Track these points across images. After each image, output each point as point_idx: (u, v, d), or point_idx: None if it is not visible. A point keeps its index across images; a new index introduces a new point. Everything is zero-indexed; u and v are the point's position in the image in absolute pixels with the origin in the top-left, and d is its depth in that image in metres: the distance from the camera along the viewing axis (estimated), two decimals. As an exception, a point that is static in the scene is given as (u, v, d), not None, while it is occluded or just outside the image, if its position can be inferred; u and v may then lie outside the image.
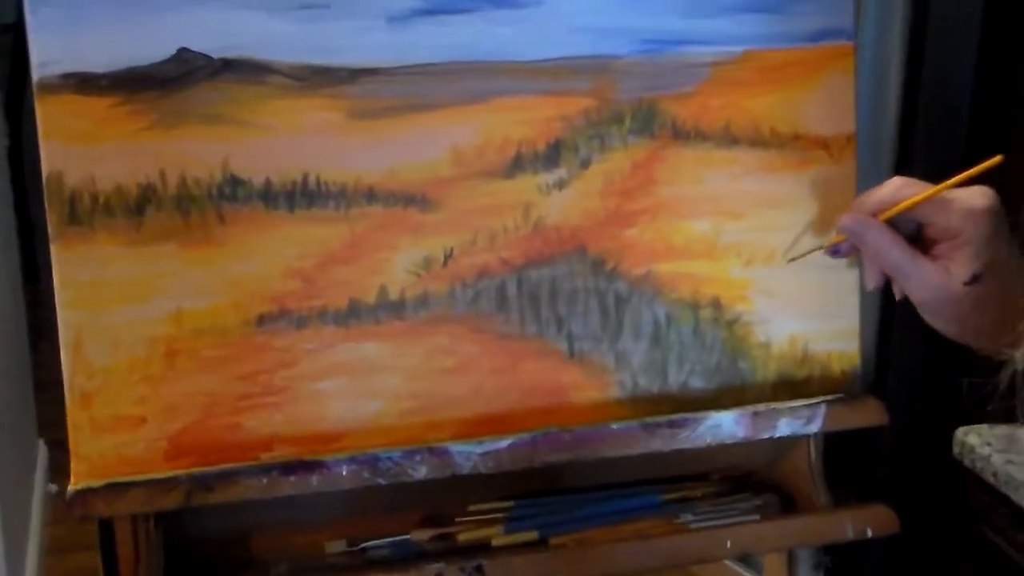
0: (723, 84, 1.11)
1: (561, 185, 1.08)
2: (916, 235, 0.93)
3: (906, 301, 0.94)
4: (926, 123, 1.32)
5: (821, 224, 1.12)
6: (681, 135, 1.10)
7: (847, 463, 1.21)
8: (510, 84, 1.06)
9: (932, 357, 1.31)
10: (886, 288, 0.98)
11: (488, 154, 1.06)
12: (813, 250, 1.08)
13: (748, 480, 1.20)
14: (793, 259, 1.11)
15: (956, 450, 1.20)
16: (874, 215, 0.94)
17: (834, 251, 1.00)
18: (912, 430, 1.18)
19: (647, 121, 1.09)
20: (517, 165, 1.06)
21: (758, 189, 1.12)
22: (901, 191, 0.93)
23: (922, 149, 1.31)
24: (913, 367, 1.36)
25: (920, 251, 0.91)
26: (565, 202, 1.08)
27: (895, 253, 0.91)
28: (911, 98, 1.33)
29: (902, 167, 1.33)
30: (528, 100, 1.06)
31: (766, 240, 1.13)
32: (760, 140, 1.12)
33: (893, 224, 0.93)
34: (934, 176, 0.96)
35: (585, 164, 1.08)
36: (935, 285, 0.89)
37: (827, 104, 1.13)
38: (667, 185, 1.10)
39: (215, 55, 0.99)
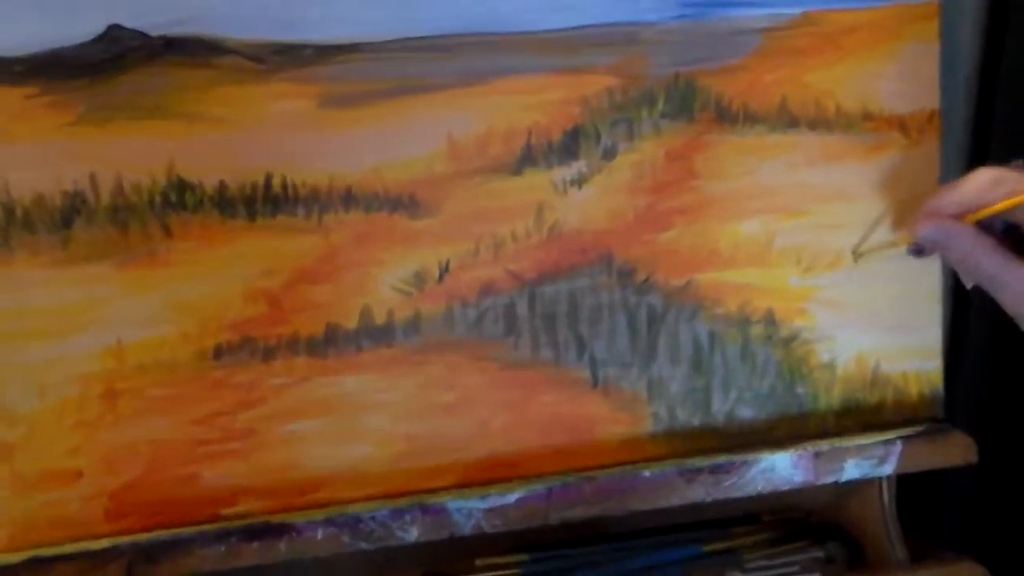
0: (777, 54, 0.92)
1: (581, 181, 0.90)
2: (1007, 233, 0.80)
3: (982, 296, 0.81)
4: (1007, 99, 1.10)
5: (898, 218, 0.94)
6: (726, 117, 0.91)
7: (912, 484, 1.02)
8: (517, 60, 0.87)
9: (1011, 362, 1.11)
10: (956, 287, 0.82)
11: (491, 146, 0.88)
12: (886, 246, 0.91)
13: (807, 524, 1.02)
14: (860, 254, 0.93)
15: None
16: (957, 216, 0.80)
17: (916, 250, 0.83)
18: (989, 446, 0.98)
19: (685, 101, 0.90)
20: (527, 159, 0.88)
21: (821, 180, 0.94)
22: (991, 191, 0.79)
23: (1002, 129, 1.10)
24: (988, 374, 1.16)
25: (1014, 254, 0.78)
26: (586, 202, 0.90)
27: (986, 261, 0.78)
28: (990, 69, 1.12)
29: (979, 150, 1.12)
30: (539, 79, 0.88)
31: (830, 241, 0.94)
32: (823, 121, 0.93)
33: (981, 225, 0.79)
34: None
35: (609, 155, 0.90)
36: None
37: (905, 76, 0.94)
38: (710, 178, 0.92)
39: (153, 32, 0.81)
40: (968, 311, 1.09)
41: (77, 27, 0.80)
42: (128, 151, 0.82)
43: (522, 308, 0.90)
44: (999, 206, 0.78)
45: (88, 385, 0.83)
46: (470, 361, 0.89)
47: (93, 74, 0.80)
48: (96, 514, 0.84)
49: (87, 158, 0.81)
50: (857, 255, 0.94)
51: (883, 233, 0.94)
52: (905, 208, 0.93)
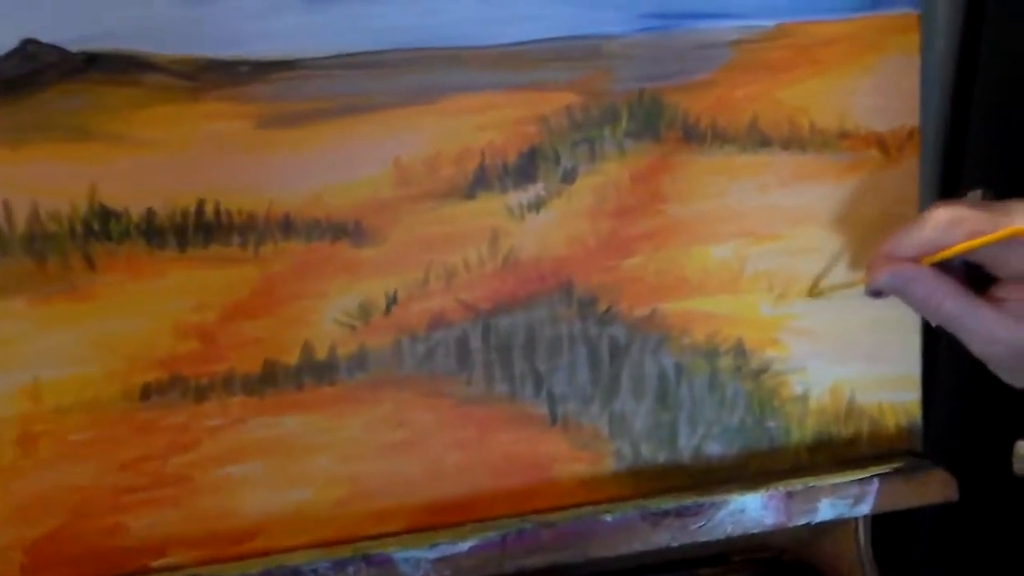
0: (749, 69, 0.86)
1: (538, 206, 0.84)
2: (967, 271, 0.77)
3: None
4: (984, 113, 1.05)
5: (856, 255, 0.89)
6: (694, 136, 0.86)
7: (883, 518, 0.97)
8: (469, 77, 0.81)
9: (983, 393, 1.06)
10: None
11: (442, 168, 0.82)
12: (844, 285, 0.86)
13: (779, 563, 0.96)
14: (818, 292, 0.88)
15: (1018, 466, 0.97)
16: (915, 258, 0.76)
17: (874, 292, 0.79)
18: (963, 480, 0.93)
19: (650, 119, 0.85)
20: (480, 182, 0.82)
21: (794, 203, 0.88)
22: (950, 231, 0.74)
23: (977, 147, 1.04)
24: (960, 405, 1.11)
25: (976, 293, 0.75)
26: (544, 227, 0.84)
27: (949, 304, 0.75)
28: (965, 81, 1.06)
29: (950, 172, 1.06)
30: (493, 97, 0.82)
31: (803, 267, 0.89)
32: (797, 139, 0.88)
33: (939, 266, 0.75)
34: (992, 183, 0.79)
35: (569, 178, 0.84)
36: (1004, 338, 0.74)
37: (883, 91, 0.89)
38: (676, 201, 0.86)
39: (73, 48, 0.74)
40: (938, 340, 1.04)
41: (-13, 41, 0.73)
42: (46, 176, 0.75)
43: (475, 341, 0.84)
44: (958, 248, 0.74)
45: (1, 429, 0.76)
46: (420, 398, 0.83)
47: (6, 92, 0.74)
48: (10, 570, 0.77)
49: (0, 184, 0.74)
50: (814, 293, 0.89)
51: (842, 270, 0.89)
52: (864, 244, 0.88)
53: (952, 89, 1.05)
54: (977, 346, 0.75)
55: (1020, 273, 0.73)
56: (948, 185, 1.04)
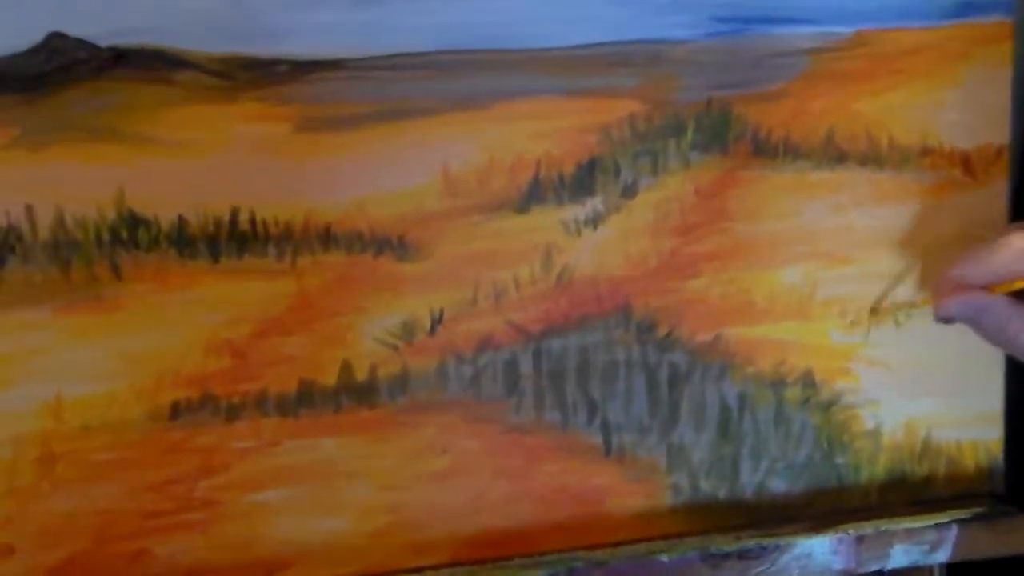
0: (825, 79, 0.81)
1: (596, 221, 0.79)
2: None
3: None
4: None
5: (924, 274, 0.84)
6: (765, 150, 0.81)
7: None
8: (524, 82, 0.76)
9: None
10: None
11: (493, 180, 0.77)
12: (907, 306, 0.81)
13: (845, 609, 0.91)
14: (878, 312, 0.83)
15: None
16: (986, 286, 0.73)
17: (944, 318, 0.74)
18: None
19: (717, 131, 0.80)
20: (534, 195, 0.77)
21: (871, 224, 0.83)
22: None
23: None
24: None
25: None
26: (601, 244, 0.79)
27: None
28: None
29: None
30: (549, 104, 0.77)
31: (878, 293, 0.84)
32: (875, 156, 0.82)
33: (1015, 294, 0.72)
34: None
35: (630, 192, 0.79)
36: None
37: (970, 105, 0.83)
38: (744, 220, 0.81)
39: (102, 43, 0.70)
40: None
41: (11, 34, 0.69)
42: (71, 180, 0.71)
43: (526, 365, 0.79)
44: None
45: (21, 447, 0.73)
46: (465, 424, 0.79)
47: (30, 90, 0.69)
48: (30, 595, 0.74)
49: (23, 187, 0.70)
50: (875, 312, 0.83)
51: (908, 290, 0.83)
52: (935, 267, 0.82)
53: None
54: None
55: None
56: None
